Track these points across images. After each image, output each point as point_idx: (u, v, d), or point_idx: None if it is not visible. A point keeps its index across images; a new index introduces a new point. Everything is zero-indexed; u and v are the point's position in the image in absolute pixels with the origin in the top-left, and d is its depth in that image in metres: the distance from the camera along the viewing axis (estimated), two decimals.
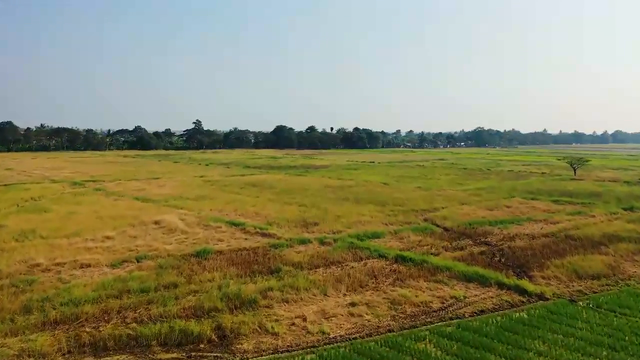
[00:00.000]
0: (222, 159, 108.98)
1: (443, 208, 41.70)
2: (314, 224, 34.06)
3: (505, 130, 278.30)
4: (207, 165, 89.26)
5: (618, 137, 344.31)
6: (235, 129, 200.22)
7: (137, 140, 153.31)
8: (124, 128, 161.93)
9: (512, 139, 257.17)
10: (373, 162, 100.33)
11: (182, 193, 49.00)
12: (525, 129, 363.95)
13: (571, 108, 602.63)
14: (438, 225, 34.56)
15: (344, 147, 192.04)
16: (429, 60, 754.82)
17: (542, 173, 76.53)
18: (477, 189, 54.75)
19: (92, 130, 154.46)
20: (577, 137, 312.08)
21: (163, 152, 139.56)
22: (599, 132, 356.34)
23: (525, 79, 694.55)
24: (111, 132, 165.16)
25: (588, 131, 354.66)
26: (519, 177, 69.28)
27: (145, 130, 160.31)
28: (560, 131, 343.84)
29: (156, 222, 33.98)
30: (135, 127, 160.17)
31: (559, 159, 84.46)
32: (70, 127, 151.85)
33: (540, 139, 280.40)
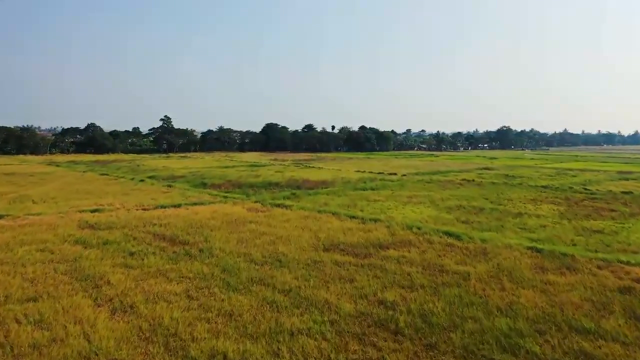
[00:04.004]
0: (180, 168, 77.73)
1: None
2: None
3: (524, 130, 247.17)
4: (142, 180, 58.00)
5: None
6: (221, 127, 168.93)
7: (88, 141, 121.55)
8: (76, 126, 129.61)
9: (539, 139, 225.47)
10: (395, 173, 69.22)
11: None
12: (543, 128, 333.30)
13: (591, 107, 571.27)
14: None
15: (348, 149, 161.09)
16: (438, 52, 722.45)
17: None
18: None
19: (28, 128, 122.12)
20: (608, 138, 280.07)
21: (113, 156, 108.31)
22: (624, 132, 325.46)
23: (540, 75, 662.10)
24: (63, 130, 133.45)
25: (608, 130, 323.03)
26: None
27: (100, 129, 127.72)
28: (583, 131, 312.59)
29: None
30: (88, 124, 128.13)
31: None
32: (7, 125, 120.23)
33: (568, 139, 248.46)
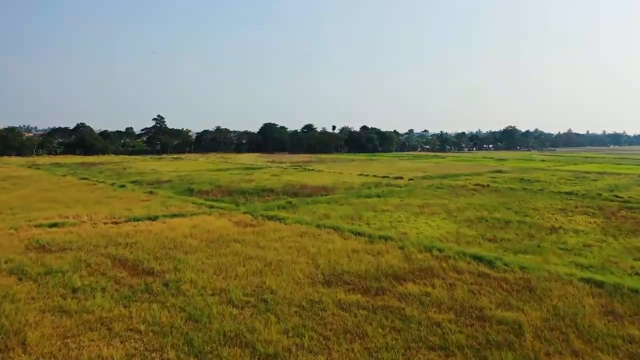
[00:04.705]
0: (169, 171, 72.40)
1: None
2: None
3: (529, 130, 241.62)
4: (123, 186, 52.68)
5: None
6: (218, 127, 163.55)
7: (78, 141, 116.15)
8: (66, 126, 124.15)
9: (544, 140, 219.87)
10: (401, 177, 63.90)
11: None
12: (546, 128, 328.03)
13: (592, 107, 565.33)
14: None
15: (349, 150, 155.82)
16: (438, 52, 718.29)
17: None
18: None
19: (14, 128, 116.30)
20: (614, 138, 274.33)
21: (101, 158, 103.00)
22: (629, 132, 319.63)
23: (540, 75, 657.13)
24: (51, 130, 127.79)
25: (614, 131, 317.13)
26: None
27: (90, 129, 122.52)
28: (588, 131, 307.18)
29: None
30: (77, 124, 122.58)
31: None
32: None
33: (574, 140, 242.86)
